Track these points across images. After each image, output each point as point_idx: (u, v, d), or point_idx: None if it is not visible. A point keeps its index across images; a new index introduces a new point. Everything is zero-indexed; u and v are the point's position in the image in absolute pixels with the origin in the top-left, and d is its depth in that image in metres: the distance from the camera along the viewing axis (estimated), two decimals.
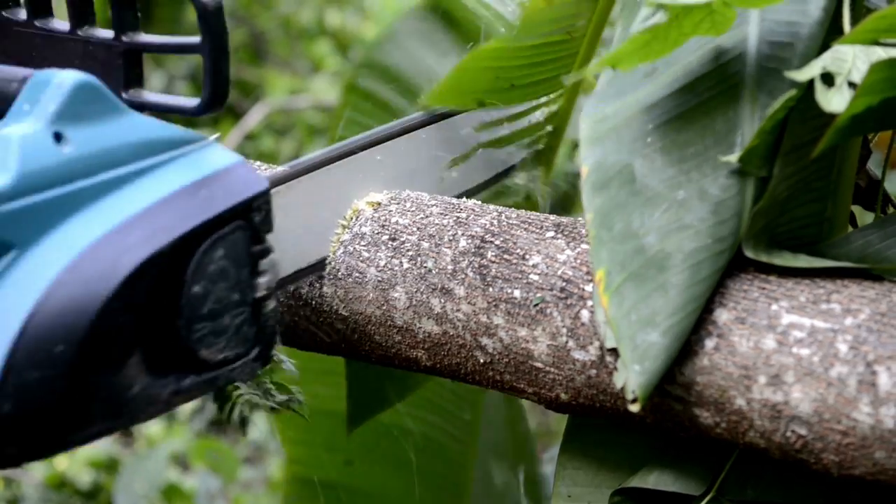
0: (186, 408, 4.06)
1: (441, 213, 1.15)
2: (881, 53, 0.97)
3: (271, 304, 1.01)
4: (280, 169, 1.13)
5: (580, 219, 1.09)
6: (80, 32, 1.07)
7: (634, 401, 0.97)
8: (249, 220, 0.98)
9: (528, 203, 1.40)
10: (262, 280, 0.99)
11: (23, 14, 1.08)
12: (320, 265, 1.16)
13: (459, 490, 1.65)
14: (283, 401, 1.17)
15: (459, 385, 1.53)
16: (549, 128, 1.40)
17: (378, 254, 1.15)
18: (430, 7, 1.52)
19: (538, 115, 1.39)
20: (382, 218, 1.17)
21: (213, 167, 0.98)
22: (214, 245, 0.95)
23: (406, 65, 1.51)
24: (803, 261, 0.99)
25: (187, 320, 0.94)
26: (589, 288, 1.04)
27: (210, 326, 0.95)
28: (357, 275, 1.15)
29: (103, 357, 0.90)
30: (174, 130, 0.98)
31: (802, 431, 0.94)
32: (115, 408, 0.92)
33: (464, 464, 1.64)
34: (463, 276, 1.10)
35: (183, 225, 0.93)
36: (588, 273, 1.05)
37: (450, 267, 1.11)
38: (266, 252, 1.00)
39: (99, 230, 0.90)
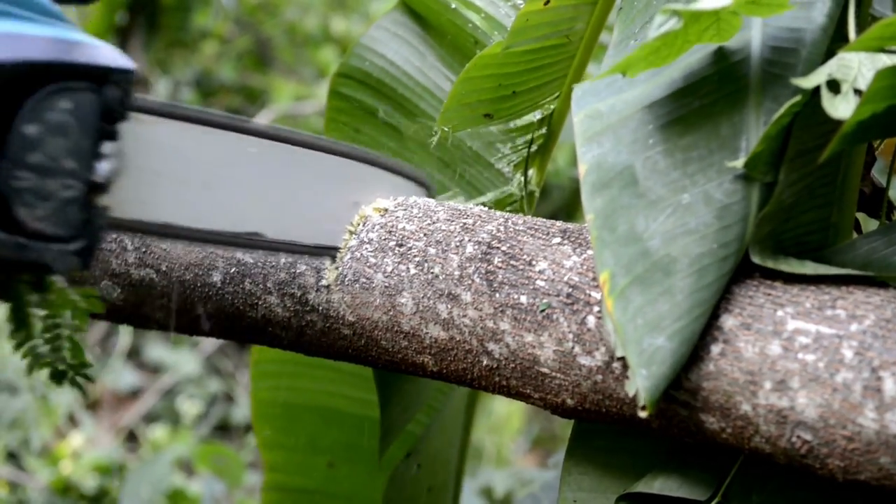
0: (191, 413, 4.07)
1: (448, 219, 1.15)
2: (886, 61, 0.97)
3: (105, 202, 0.96)
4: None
5: (586, 226, 1.09)
6: None
7: (644, 407, 0.97)
8: (104, 90, 0.94)
9: (520, 204, 1.41)
10: (104, 166, 0.95)
11: None
12: None
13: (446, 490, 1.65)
14: (69, 367, 1.08)
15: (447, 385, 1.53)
16: (542, 130, 1.40)
17: (385, 259, 1.15)
18: (406, 13, 1.52)
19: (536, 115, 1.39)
20: (389, 224, 1.17)
21: (81, 37, 0.95)
22: (60, 93, 0.91)
23: (384, 70, 1.52)
24: (810, 267, 0.99)
25: (11, 162, 0.89)
26: (595, 294, 1.04)
27: (34, 182, 0.90)
28: (364, 280, 1.15)
29: None
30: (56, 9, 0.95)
31: (808, 437, 0.94)
32: None
33: (450, 463, 1.64)
34: (470, 281, 1.10)
35: (27, 52, 0.90)
36: (594, 279, 1.05)
37: (456, 273, 1.11)
38: (113, 136, 0.95)
39: None
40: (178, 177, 1.05)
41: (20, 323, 1.05)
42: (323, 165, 1.16)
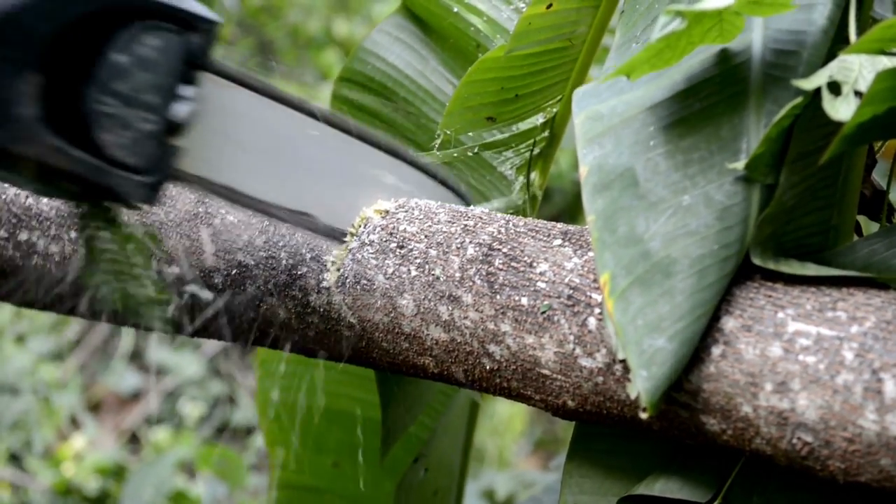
0: (193, 415, 4.07)
1: (449, 221, 1.16)
2: (887, 63, 0.97)
3: (179, 144, 1.01)
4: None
5: (587, 228, 1.09)
6: None
7: (645, 408, 0.97)
8: (189, 36, 0.99)
9: (522, 208, 1.41)
10: (182, 107, 1.00)
11: None
12: None
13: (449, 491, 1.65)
14: (144, 301, 1.10)
15: (451, 387, 1.53)
16: (545, 133, 1.40)
17: (386, 261, 1.15)
18: (408, 17, 1.53)
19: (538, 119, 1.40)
20: (391, 226, 1.17)
21: None
22: (150, 30, 0.97)
23: (387, 74, 1.52)
24: (811, 269, 0.99)
25: (98, 87, 0.95)
26: (596, 295, 1.05)
27: (117, 110, 0.96)
28: (365, 282, 1.16)
29: None
30: None
31: (808, 438, 0.94)
32: None
33: (453, 465, 1.64)
34: (470, 283, 1.11)
35: None
36: (595, 281, 1.05)
37: (457, 274, 1.11)
38: (193, 81, 1.01)
39: None
40: (243, 143, 1.10)
41: (93, 252, 1.09)
42: (381, 163, 1.20)
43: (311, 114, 1.14)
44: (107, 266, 1.08)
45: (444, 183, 1.26)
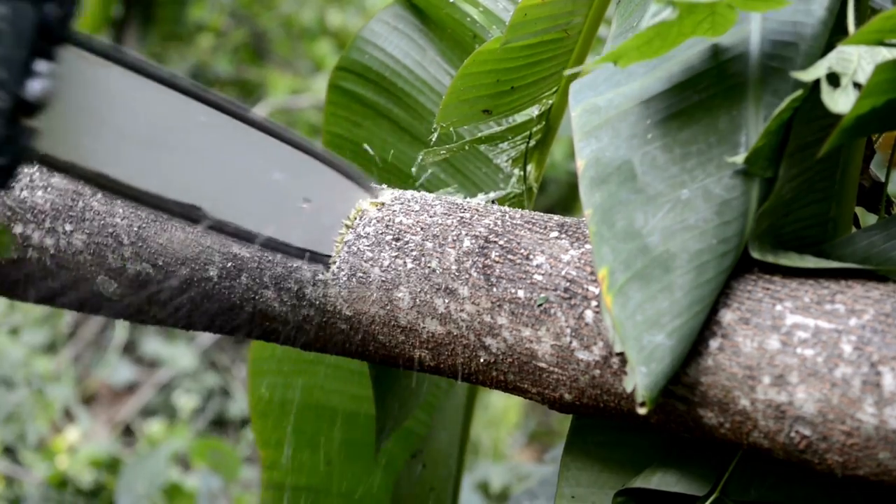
0: (188, 407, 4.07)
1: (445, 213, 1.15)
2: (886, 54, 0.97)
3: (34, 126, 0.94)
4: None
5: (584, 220, 1.09)
6: None
7: (643, 403, 0.96)
8: (43, 5, 0.93)
9: (519, 199, 1.40)
10: (36, 84, 0.93)
11: None
12: None
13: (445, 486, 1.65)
14: None
15: (446, 381, 1.53)
16: (541, 124, 1.40)
17: (382, 254, 1.15)
18: (406, 6, 1.52)
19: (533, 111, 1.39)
20: (386, 218, 1.17)
21: None
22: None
23: (384, 64, 1.51)
24: (810, 261, 0.99)
25: None
26: (593, 288, 1.04)
27: None
28: (361, 275, 1.15)
29: None
30: None
31: (806, 432, 0.94)
32: None
33: (450, 460, 1.64)
34: (467, 276, 1.10)
35: None
36: (592, 273, 1.05)
37: (454, 267, 1.11)
38: (49, 55, 0.94)
39: None
40: (120, 128, 1.02)
41: None
42: (275, 151, 1.13)
43: (200, 97, 1.07)
44: None
45: (346, 173, 1.20)
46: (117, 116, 1.01)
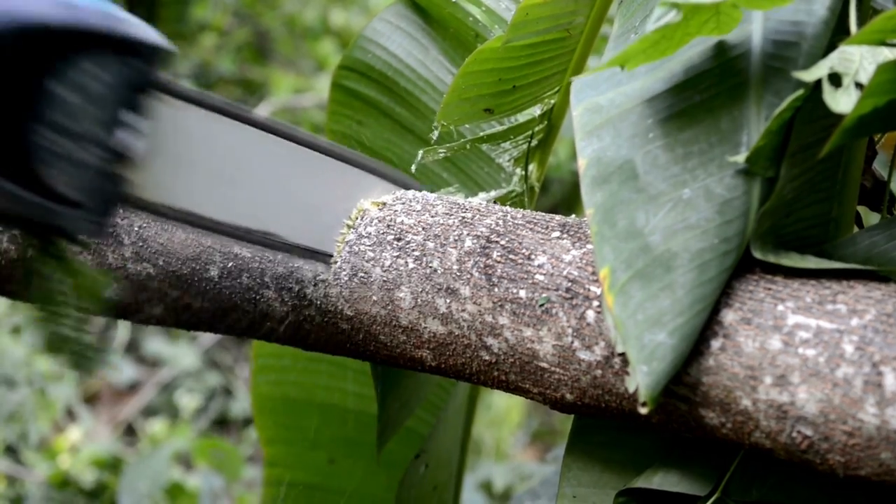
0: (190, 407, 4.07)
1: (446, 213, 1.15)
2: (888, 54, 0.97)
3: (124, 176, 0.97)
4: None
5: (586, 220, 1.09)
6: None
7: (644, 403, 0.96)
8: (132, 62, 0.96)
9: (521, 199, 1.40)
10: (126, 136, 0.96)
11: None
12: None
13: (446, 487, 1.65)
14: (86, 357, 1.08)
15: (448, 381, 1.53)
16: (543, 123, 1.40)
17: (383, 254, 1.15)
18: (408, 5, 1.52)
19: (535, 111, 1.39)
20: (388, 218, 1.17)
21: (115, 9, 0.96)
22: (91, 57, 0.93)
23: (387, 62, 1.51)
24: (811, 262, 0.99)
25: (37, 120, 0.91)
26: (595, 288, 1.04)
27: (58, 142, 0.92)
28: (362, 275, 1.15)
29: None
30: None
31: (808, 432, 0.94)
32: None
33: (450, 461, 1.64)
34: (468, 276, 1.10)
35: (71, 17, 0.91)
36: (594, 273, 1.05)
37: (455, 267, 1.11)
38: (139, 109, 0.97)
39: None
40: (203, 166, 1.07)
41: (40, 295, 1.05)
42: (343, 174, 1.18)
43: (272, 130, 1.11)
44: (48, 304, 1.05)
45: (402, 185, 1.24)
46: (200, 155, 1.07)
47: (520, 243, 1.10)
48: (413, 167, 1.39)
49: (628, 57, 1.02)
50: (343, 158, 1.19)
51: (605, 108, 1.05)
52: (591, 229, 1.00)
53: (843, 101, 0.95)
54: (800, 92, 0.97)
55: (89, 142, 0.94)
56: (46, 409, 3.83)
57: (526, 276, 1.07)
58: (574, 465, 1.14)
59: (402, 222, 1.16)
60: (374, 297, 1.14)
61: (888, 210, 1.18)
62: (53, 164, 0.92)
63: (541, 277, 1.07)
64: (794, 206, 1.03)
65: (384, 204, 1.18)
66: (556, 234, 1.09)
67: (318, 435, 1.62)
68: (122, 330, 4.33)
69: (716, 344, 0.98)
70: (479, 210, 1.15)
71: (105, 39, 0.93)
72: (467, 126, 1.40)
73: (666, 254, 0.98)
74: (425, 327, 1.12)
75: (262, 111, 4.67)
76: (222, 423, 4.32)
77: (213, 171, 1.08)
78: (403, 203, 1.18)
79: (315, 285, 1.17)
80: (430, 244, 1.13)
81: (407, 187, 1.23)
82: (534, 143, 1.40)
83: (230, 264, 1.19)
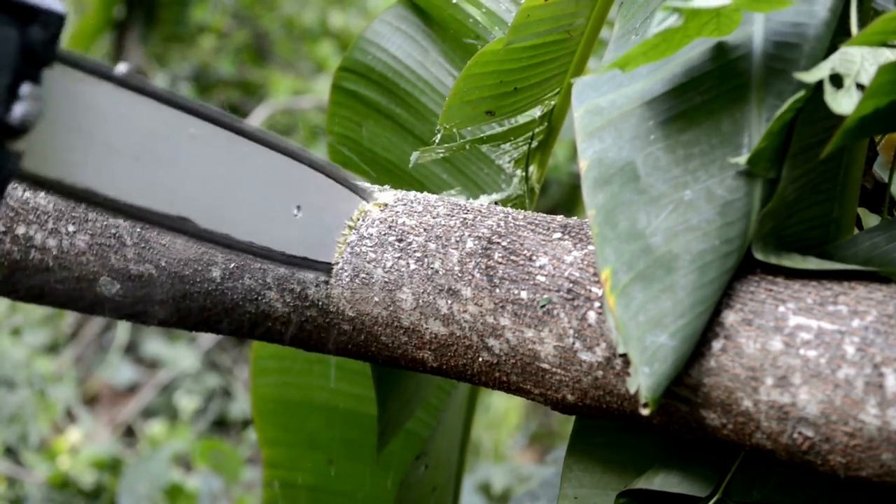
0: (189, 408, 4.07)
1: (448, 214, 1.15)
2: (889, 55, 0.97)
3: (18, 148, 0.94)
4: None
5: (587, 221, 1.09)
6: None
7: (646, 404, 0.96)
8: (28, 29, 0.92)
9: (521, 200, 1.40)
10: (20, 107, 0.93)
11: None
12: None
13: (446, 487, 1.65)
14: None
15: (448, 382, 1.53)
16: (544, 125, 1.40)
17: (385, 255, 1.15)
18: (409, 7, 1.52)
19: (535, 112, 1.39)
20: (389, 219, 1.17)
21: None
22: None
23: (387, 64, 1.51)
24: (813, 263, 0.99)
25: None
26: (596, 289, 1.04)
27: None
28: (364, 276, 1.15)
29: None
30: None
31: (809, 433, 0.94)
32: None
33: (450, 462, 1.64)
34: (470, 277, 1.10)
35: None
36: (595, 274, 1.05)
37: (457, 268, 1.11)
38: (35, 78, 0.93)
39: None
40: (107, 143, 1.02)
41: None
42: (265, 160, 1.13)
43: (189, 110, 1.07)
44: None
45: (338, 179, 1.20)
46: (105, 132, 1.01)
47: (521, 244, 1.10)
48: (410, 166, 1.39)
49: (628, 60, 1.02)
50: (227, 126, 1.11)
51: (606, 109, 1.05)
52: (592, 231, 1.00)
53: (844, 103, 0.95)
54: (801, 93, 0.98)
55: None
56: (46, 410, 3.83)
57: (527, 277, 1.08)
58: (575, 467, 1.14)
59: (403, 223, 1.16)
60: (376, 298, 1.14)
61: (888, 212, 1.18)
62: None
63: (542, 278, 1.07)
64: (795, 208, 1.04)
65: (386, 205, 1.18)
66: (558, 235, 1.09)
67: (318, 436, 1.62)
68: (122, 331, 4.33)
69: (717, 345, 0.98)
70: (480, 211, 1.15)
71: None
72: (468, 128, 1.40)
73: (667, 255, 0.98)
74: (427, 328, 1.12)
75: (261, 113, 4.67)
76: (222, 425, 4.32)
77: (117, 149, 1.02)
78: (405, 204, 1.18)
79: (317, 286, 1.17)
80: (432, 245, 1.13)
81: (348, 184, 1.20)
82: (534, 144, 1.40)
83: (232, 265, 1.19)
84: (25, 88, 0.93)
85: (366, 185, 1.24)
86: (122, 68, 1.02)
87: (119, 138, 1.02)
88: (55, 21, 0.93)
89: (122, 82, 1.01)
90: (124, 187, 1.02)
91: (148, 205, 1.04)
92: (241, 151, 1.10)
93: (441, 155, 1.38)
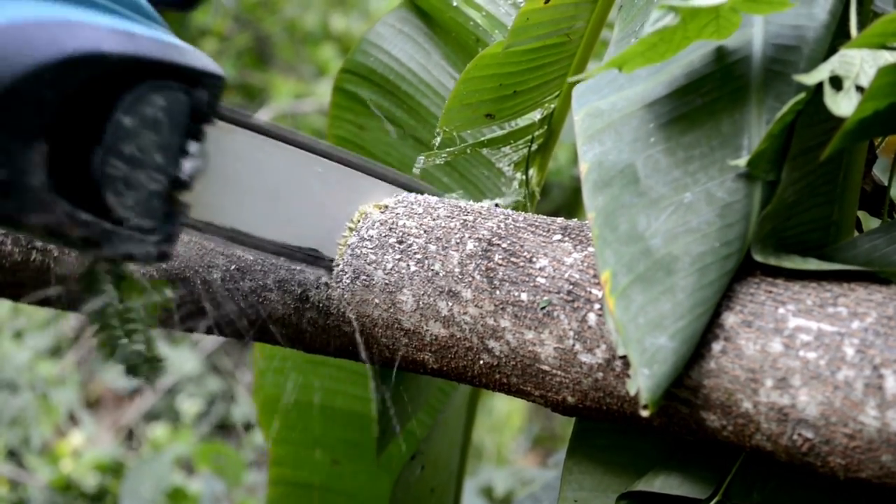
0: (191, 412, 4.07)
1: (448, 216, 1.15)
2: (888, 57, 0.97)
3: (185, 200, 1.00)
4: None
5: (587, 223, 1.09)
6: None
7: (646, 406, 0.96)
8: (194, 92, 0.99)
9: (521, 204, 1.40)
10: (188, 164, 0.99)
11: None
12: None
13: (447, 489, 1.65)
14: (144, 360, 1.11)
15: (448, 384, 1.53)
16: (543, 128, 1.40)
17: (385, 257, 1.15)
18: (411, 10, 1.52)
19: (535, 115, 1.39)
20: (390, 221, 1.17)
21: (177, 41, 1.00)
22: (157, 90, 0.96)
23: (389, 67, 1.52)
24: (813, 264, 0.99)
25: (106, 149, 0.94)
26: (596, 291, 1.04)
27: (125, 171, 0.95)
28: (364, 278, 1.15)
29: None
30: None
31: (809, 435, 0.94)
32: (3, 187, 0.92)
33: (449, 463, 1.64)
34: (470, 278, 1.10)
35: (131, 48, 0.94)
36: (595, 276, 1.05)
37: (457, 270, 1.11)
38: (199, 136, 1.00)
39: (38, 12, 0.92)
40: (247, 185, 1.11)
41: (100, 313, 1.09)
42: (347, 178, 1.21)
43: (313, 150, 1.15)
44: (112, 322, 1.09)
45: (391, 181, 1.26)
46: (247, 176, 1.11)
47: (521, 246, 1.10)
48: (414, 171, 1.39)
49: (626, 59, 1.02)
50: (346, 162, 1.20)
51: (606, 112, 1.05)
52: (592, 233, 1.00)
53: (844, 105, 0.95)
54: (801, 95, 0.98)
55: (153, 170, 0.97)
56: (49, 413, 3.83)
57: (527, 279, 1.08)
58: (575, 469, 1.14)
59: (403, 225, 1.16)
60: (376, 300, 1.15)
61: (888, 214, 1.19)
62: (120, 191, 0.96)
63: (542, 280, 1.07)
64: (795, 210, 1.04)
65: (386, 207, 1.18)
66: (558, 237, 1.10)
67: (322, 436, 1.62)
68: None
69: (717, 347, 0.98)
70: (480, 213, 1.15)
71: (169, 71, 0.97)
72: (468, 131, 1.40)
73: (667, 257, 0.98)
74: (427, 330, 1.13)
75: (263, 117, 4.67)
76: (224, 428, 4.32)
77: (256, 190, 1.12)
78: (405, 206, 1.18)
79: (317, 288, 1.17)
80: (432, 247, 1.13)
81: (411, 190, 1.23)
82: (534, 147, 1.40)
83: (233, 267, 1.20)
84: (193, 146, 0.99)
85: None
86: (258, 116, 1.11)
87: (257, 180, 1.12)
88: (217, 83, 1.00)
89: (261, 129, 1.11)
90: (264, 225, 1.13)
91: (282, 239, 1.15)
92: (360, 185, 1.20)
93: (445, 159, 1.38)
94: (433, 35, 1.51)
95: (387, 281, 1.14)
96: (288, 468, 1.66)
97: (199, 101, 0.99)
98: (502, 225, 1.12)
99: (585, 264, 1.06)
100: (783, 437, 0.95)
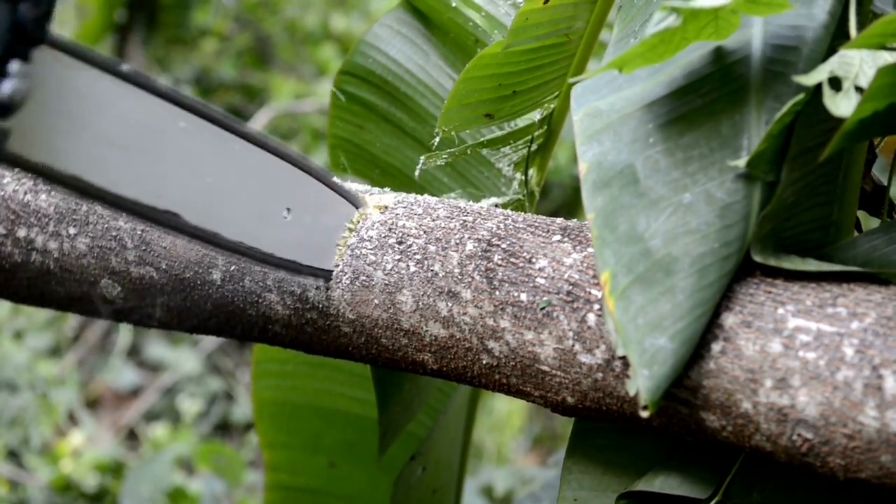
0: (191, 411, 4.07)
1: (448, 217, 1.15)
2: (888, 58, 0.97)
3: (4, 126, 0.93)
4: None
5: (587, 223, 1.09)
6: None
7: (645, 407, 0.96)
8: (19, 6, 0.92)
9: (521, 204, 1.40)
10: (7, 84, 0.92)
11: None
12: None
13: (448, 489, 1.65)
14: None
15: (448, 384, 1.53)
16: (543, 128, 1.40)
17: (385, 257, 1.15)
18: (409, 10, 1.52)
19: (535, 115, 1.39)
20: (389, 221, 1.17)
21: None
22: None
23: (388, 68, 1.52)
24: (812, 265, 0.99)
25: None
26: (595, 291, 1.04)
27: None
28: (364, 278, 1.15)
29: None
30: None
31: (808, 435, 0.94)
32: None
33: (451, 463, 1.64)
34: (469, 279, 1.10)
35: None
36: (594, 277, 1.05)
37: (456, 270, 1.11)
38: (24, 56, 0.93)
39: None
40: (96, 131, 1.00)
41: None
42: (256, 160, 1.12)
43: (180, 103, 1.05)
44: None
45: (330, 185, 1.19)
46: (94, 120, 1.00)
47: (521, 247, 1.10)
48: (416, 173, 1.39)
49: (626, 61, 1.02)
50: (213, 120, 1.09)
51: (605, 112, 1.05)
52: (591, 233, 1.00)
53: (843, 105, 0.95)
54: (800, 96, 0.98)
55: None
56: (48, 413, 3.84)
57: (527, 280, 1.08)
58: (575, 469, 1.14)
59: (403, 225, 1.16)
60: (376, 301, 1.15)
61: (888, 214, 1.18)
62: None
63: (542, 281, 1.07)
64: (794, 210, 1.04)
65: (385, 207, 1.18)
66: (557, 237, 1.10)
67: (319, 439, 1.62)
68: (124, 334, 4.33)
69: (716, 347, 0.98)
70: (480, 213, 1.15)
71: None
72: (468, 131, 1.40)
73: (666, 258, 0.98)
74: (427, 330, 1.13)
75: (263, 116, 4.67)
76: (224, 428, 4.32)
77: (106, 137, 1.00)
78: (405, 206, 1.18)
79: (317, 288, 1.17)
80: (432, 247, 1.13)
81: (338, 189, 1.19)
82: (534, 147, 1.40)
83: (233, 268, 1.20)
84: (14, 66, 0.92)
85: (361, 187, 1.23)
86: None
87: (108, 127, 1.01)
88: (48, 2, 0.93)
89: (114, 70, 1.00)
90: (112, 177, 1.01)
91: (136, 196, 1.02)
92: (231, 149, 1.09)
93: (446, 160, 1.38)
94: (431, 36, 1.51)
95: (386, 281, 1.14)
96: (284, 473, 1.66)
97: (23, 16, 0.92)
98: (502, 225, 1.12)
99: (585, 265, 1.06)
100: (783, 437, 0.95)
